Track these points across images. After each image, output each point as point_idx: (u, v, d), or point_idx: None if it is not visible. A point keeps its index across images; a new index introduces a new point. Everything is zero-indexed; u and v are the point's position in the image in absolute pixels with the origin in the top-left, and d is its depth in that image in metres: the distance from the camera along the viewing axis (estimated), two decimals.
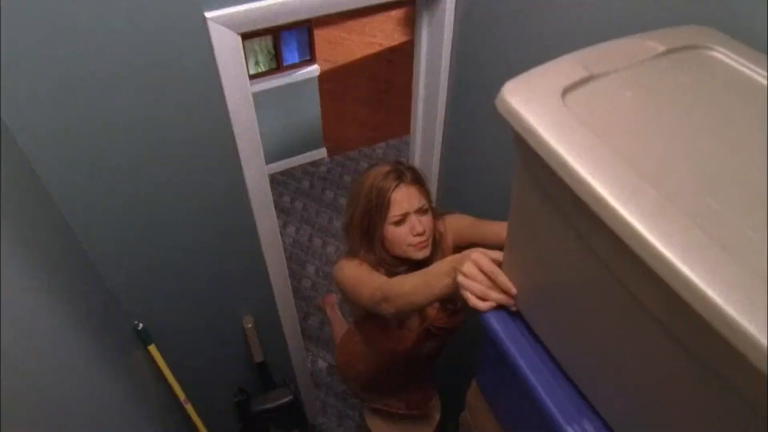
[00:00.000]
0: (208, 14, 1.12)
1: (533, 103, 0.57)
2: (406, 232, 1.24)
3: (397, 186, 1.22)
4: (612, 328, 0.61)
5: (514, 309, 0.81)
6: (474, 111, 1.49)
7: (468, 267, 0.84)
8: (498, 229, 1.30)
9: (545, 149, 0.54)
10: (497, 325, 0.82)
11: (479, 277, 0.83)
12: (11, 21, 0.96)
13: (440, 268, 0.95)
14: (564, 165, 0.52)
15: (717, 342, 0.41)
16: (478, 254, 0.85)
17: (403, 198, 1.22)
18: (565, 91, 0.59)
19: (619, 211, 0.47)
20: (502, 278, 0.81)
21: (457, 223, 1.38)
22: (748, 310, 0.40)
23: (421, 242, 1.25)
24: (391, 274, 1.31)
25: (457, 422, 1.28)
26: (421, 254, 1.27)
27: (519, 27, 1.21)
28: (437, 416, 1.91)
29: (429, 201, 1.30)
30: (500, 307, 0.83)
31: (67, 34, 1.02)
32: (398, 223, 1.24)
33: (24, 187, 1.07)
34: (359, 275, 1.24)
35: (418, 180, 1.28)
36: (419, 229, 1.23)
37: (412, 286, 1.04)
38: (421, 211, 1.25)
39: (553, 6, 1.09)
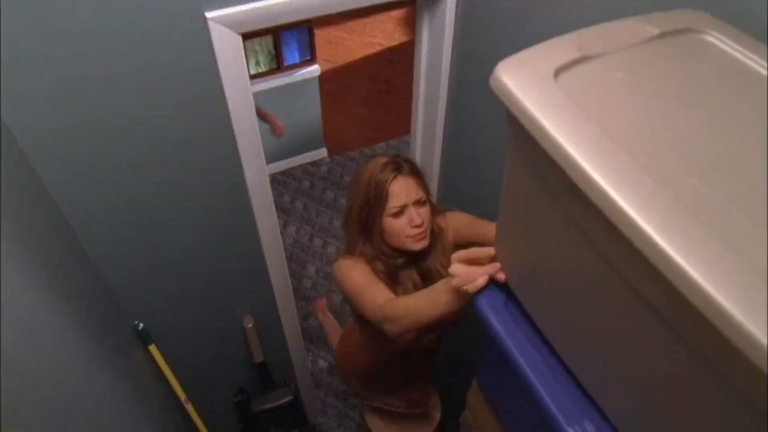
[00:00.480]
0: (208, 14, 1.12)
1: (526, 82, 0.58)
2: (405, 223, 1.25)
3: (395, 177, 1.23)
4: (604, 313, 0.61)
5: (502, 279, 0.85)
6: (475, 110, 1.49)
7: (452, 268, 0.90)
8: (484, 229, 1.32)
9: (535, 127, 0.55)
10: (497, 325, 0.82)
11: (464, 267, 0.88)
12: (11, 21, 0.96)
13: (445, 285, 0.97)
14: (554, 144, 0.52)
15: (711, 332, 0.41)
16: (454, 253, 0.92)
17: (401, 189, 1.23)
18: (558, 71, 0.60)
19: (607, 191, 0.48)
20: (475, 251, 0.88)
21: (457, 221, 1.39)
22: (744, 303, 0.40)
23: (419, 234, 1.26)
24: (389, 266, 1.32)
25: (458, 422, 1.28)
26: (419, 245, 1.27)
27: (519, 26, 1.21)
28: (437, 416, 1.91)
29: (427, 193, 1.31)
30: (500, 299, 0.84)
31: (67, 34, 1.02)
32: (396, 214, 1.24)
33: (24, 187, 1.07)
34: (360, 285, 1.25)
35: (416, 172, 1.29)
36: (417, 220, 1.24)
37: (416, 305, 1.05)
38: (419, 203, 1.26)
39: (553, 5, 1.09)
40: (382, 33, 3.64)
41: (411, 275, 1.37)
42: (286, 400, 2.10)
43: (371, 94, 3.93)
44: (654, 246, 0.44)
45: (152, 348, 1.58)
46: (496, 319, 0.83)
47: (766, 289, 0.40)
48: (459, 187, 1.71)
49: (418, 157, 1.81)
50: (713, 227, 0.45)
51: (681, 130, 0.56)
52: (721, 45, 0.65)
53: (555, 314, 0.75)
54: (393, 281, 1.34)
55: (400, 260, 1.33)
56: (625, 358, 0.61)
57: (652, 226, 0.45)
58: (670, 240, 0.44)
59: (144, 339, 1.56)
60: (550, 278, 0.72)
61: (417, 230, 1.25)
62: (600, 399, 0.71)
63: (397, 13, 3.59)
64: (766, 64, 0.61)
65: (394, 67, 3.78)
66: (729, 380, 0.45)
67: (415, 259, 1.35)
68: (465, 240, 1.36)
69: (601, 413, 0.72)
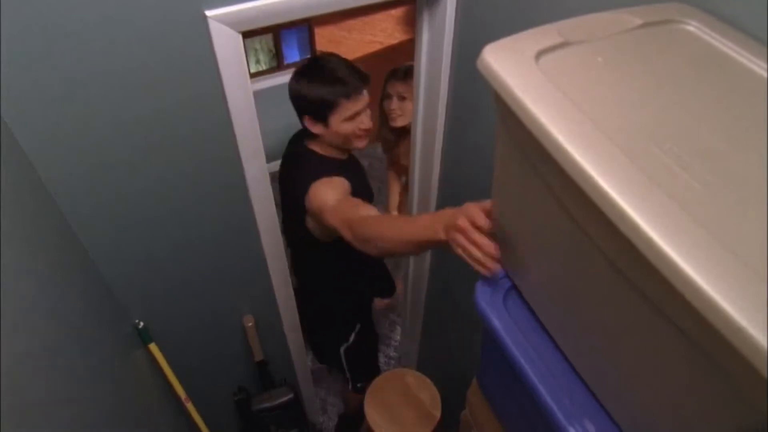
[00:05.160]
0: (208, 12, 1.12)
1: (508, 62, 0.64)
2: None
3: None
4: (594, 296, 0.63)
5: (490, 274, 0.85)
6: (475, 108, 1.49)
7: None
8: None
9: (514, 102, 0.60)
10: (498, 324, 0.82)
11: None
12: (11, 20, 0.95)
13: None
14: (530, 117, 0.57)
15: (681, 301, 0.43)
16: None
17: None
18: (539, 54, 0.65)
19: (567, 149, 0.52)
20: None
21: None
22: (717, 275, 0.41)
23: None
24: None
25: (458, 420, 1.28)
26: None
27: (519, 24, 1.20)
28: (437, 414, 1.91)
29: None
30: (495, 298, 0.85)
31: (66, 33, 1.02)
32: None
33: (23, 185, 1.07)
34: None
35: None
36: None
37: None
38: None
39: (554, 4, 1.09)
40: (382, 32, 3.63)
41: None
42: (286, 398, 2.11)
43: (371, 93, 3.92)
44: (614, 205, 0.47)
45: (152, 346, 1.58)
46: (496, 318, 0.83)
47: (729, 256, 0.42)
48: (459, 184, 1.71)
49: (418, 155, 1.81)
50: (677, 191, 0.48)
51: (653, 108, 0.60)
52: (700, 34, 0.69)
53: (550, 300, 0.76)
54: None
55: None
56: (616, 343, 0.62)
57: (615, 190, 0.48)
58: (632, 201, 0.47)
59: (144, 337, 1.56)
60: (541, 259, 0.74)
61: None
62: (598, 391, 0.72)
63: (397, 12, 3.59)
64: (742, 52, 0.64)
65: (394, 65, 3.78)
66: (729, 378, 0.45)
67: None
68: None
69: (602, 412, 0.72)
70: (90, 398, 1.03)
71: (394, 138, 2.32)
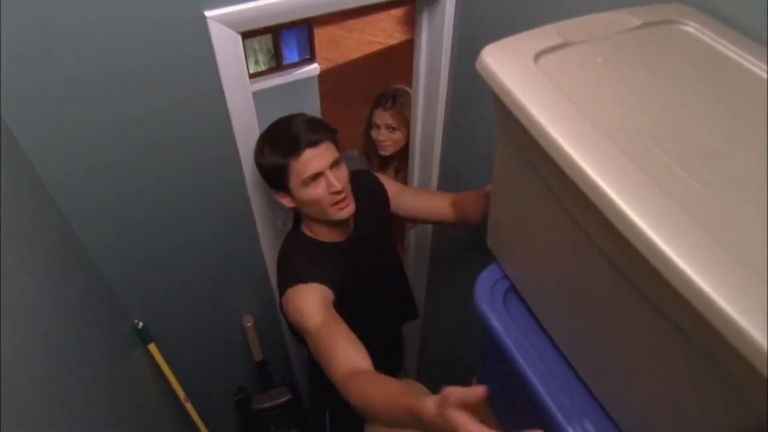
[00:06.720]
0: (208, 13, 1.12)
1: (507, 63, 0.64)
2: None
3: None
4: (594, 296, 0.63)
5: None
6: (474, 108, 1.49)
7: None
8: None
9: (512, 102, 0.60)
10: (497, 324, 0.83)
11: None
12: (11, 20, 0.95)
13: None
14: (529, 118, 0.57)
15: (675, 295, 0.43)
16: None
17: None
18: (538, 55, 0.65)
19: (567, 150, 0.52)
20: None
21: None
22: (708, 269, 0.41)
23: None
24: None
25: None
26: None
27: (519, 25, 1.21)
28: None
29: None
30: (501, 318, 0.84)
31: (66, 33, 1.02)
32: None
33: (23, 185, 1.07)
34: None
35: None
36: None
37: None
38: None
39: (554, 4, 1.09)
40: (382, 32, 3.64)
41: None
42: (285, 398, 2.11)
43: (371, 93, 3.93)
44: (613, 205, 0.47)
45: (152, 347, 1.58)
46: (496, 318, 0.83)
47: (714, 242, 0.43)
48: (459, 185, 1.72)
49: (417, 155, 1.81)
50: (677, 191, 0.48)
51: (653, 108, 0.60)
52: (699, 35, 0.69)
53: (550, 300, 0.76)
54: None
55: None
56: (616, 343, 0.63)
57: (615, 190, 0.48)
58: (631, 202, 0.47)
59: (144, 338, 1.56)
60: (541, 259, 0.74)
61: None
62: (598, 391, 0.72)
63: (397, 12, 3.59)
64: (741, 53, 0.65)
65: (394, 65, 3.78)
66: (729, 378, 0.45)
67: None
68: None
69: (602, 412, 0.72)
70: (90, 398, 1.03)
71: (377, 162, 2.20)
